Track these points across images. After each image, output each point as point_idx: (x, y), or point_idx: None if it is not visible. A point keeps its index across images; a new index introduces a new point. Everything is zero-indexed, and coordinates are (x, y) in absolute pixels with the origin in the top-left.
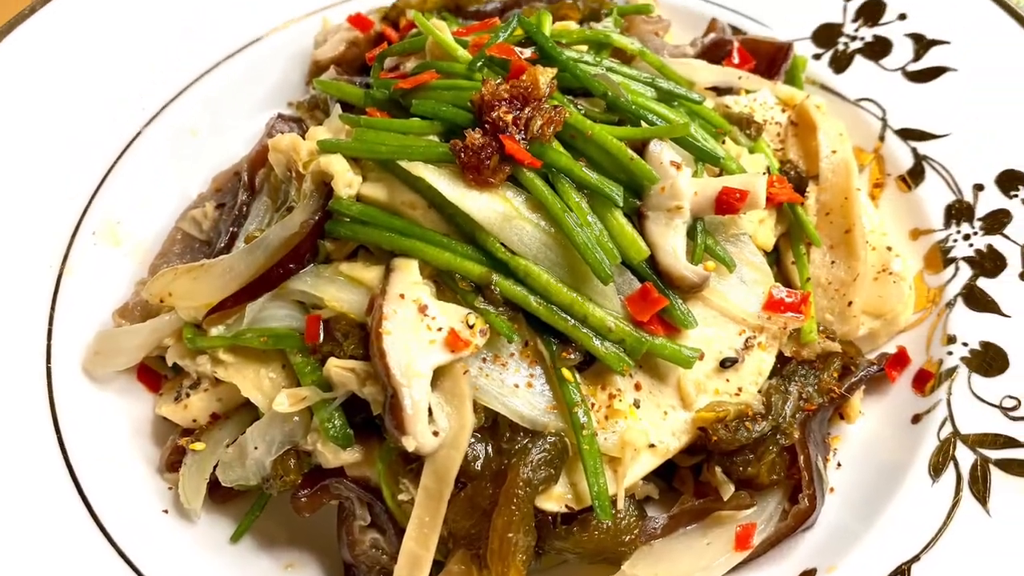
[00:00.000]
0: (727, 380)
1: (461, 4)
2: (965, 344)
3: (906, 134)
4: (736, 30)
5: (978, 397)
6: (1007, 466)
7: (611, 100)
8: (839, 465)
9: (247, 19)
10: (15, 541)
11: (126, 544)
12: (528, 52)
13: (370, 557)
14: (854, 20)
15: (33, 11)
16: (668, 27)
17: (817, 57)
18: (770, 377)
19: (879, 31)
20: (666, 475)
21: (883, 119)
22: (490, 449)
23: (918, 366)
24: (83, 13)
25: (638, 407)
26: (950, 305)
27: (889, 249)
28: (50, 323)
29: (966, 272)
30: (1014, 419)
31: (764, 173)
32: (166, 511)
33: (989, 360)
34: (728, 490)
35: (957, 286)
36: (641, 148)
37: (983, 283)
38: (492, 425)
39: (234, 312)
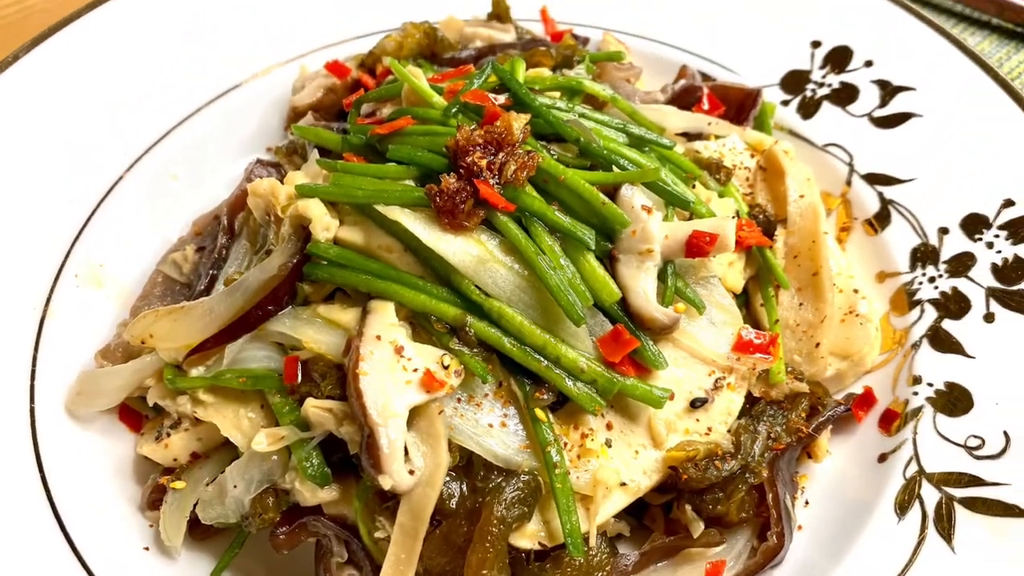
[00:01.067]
0: (697, 420)
1: (436, 51)
2: (930, 385)
3: (872, 179)
4: (706, 77)
5: (943, 437)
6: (972, 504)
7: (583, 145)
8: (807, 503)
9: (226, 66)
10: None
11: None
12: (502, 98)
13: None
14: (822, 67)
15: (16, 58)
16: (639, 74)
17: (785, 103)
18: (739, 417)
19: (846, 78)
20: (637, 513)
21: (850, 164)
22: (465, 487)
23: (884, 406)
24: (65, 60)
25: (610, 446)
26: (916, 346)
27: (856, 291)
28: (34, 364)
29: (931, 314)
30: (978, 458)
31: (733, 217)
32: (147, 548)
33: (954, 400)
34: (698, 528)
35: (922, 328)
36: (613, 192)
37: (948, 325)
38: (467, 464)
39: (214, 353)
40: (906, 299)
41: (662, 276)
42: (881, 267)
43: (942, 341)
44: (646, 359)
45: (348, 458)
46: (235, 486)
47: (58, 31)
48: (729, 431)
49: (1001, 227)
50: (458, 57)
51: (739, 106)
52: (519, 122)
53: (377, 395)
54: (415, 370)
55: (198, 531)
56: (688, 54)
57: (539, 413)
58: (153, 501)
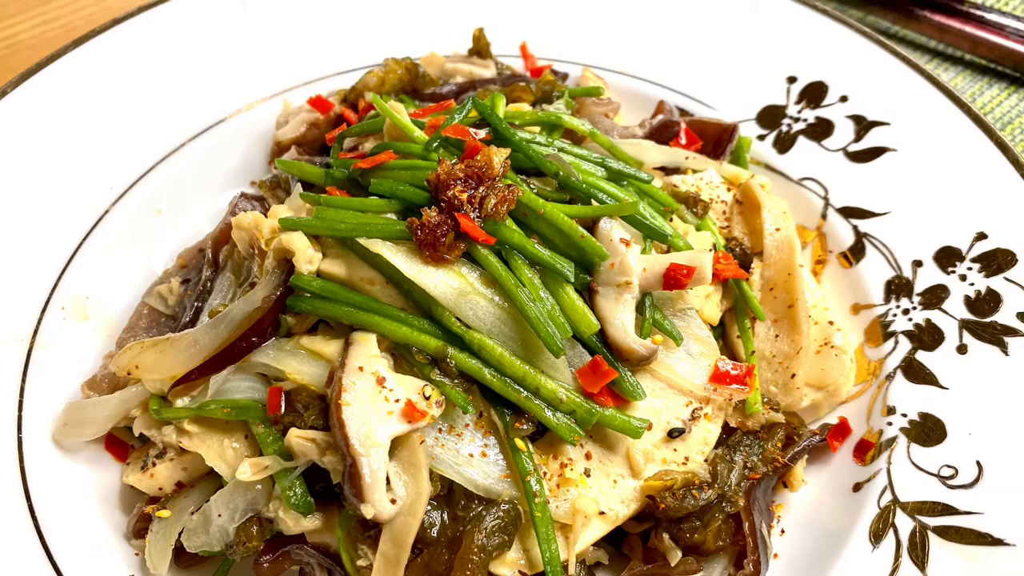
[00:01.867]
0: (675, 449)
1: (418, 87)
2: (904, 415)
3: (847, 212)
4: (683, 112)
5: (917, 466)
6: (945, 533)
7: (563, 179)
8: (783, 532)
9: (211, 101)
10: None
11: None
12: (482, 133)
13: None
14: (797, 102)
15: (4, 93)
16: (618, 109)
17: (761, 138)
18: (716, 447)
19: (821, 113)
20: (615, 541)
21: (825, 198)
22: (446, 516)
23: (859, 436)
24: (53, 95)
25: (589, 476)
26: (890, 377)
27: (831, 323)
28: (21, 395)
29: (905, 346)
30: (952, 487)
31: (710, 250)
32: None
33: (927, 431)
34: (675, 556)
35: (896, 359)
36: (592, 226)
37: (922, 356)
38: (448, 493)
39: (198, 384)
40: (880, 331)
41: (640, 308)
42: (856, 299)
43: (916, 372)
44: (624, 390)
45: (331, 487)
46: (220, 515)
47: (46, 66)
48: (706, 461)
49: (974, 260)
50: (439, 92)
51: (716, 141)
52: (499, 156)
53: (359, 425)
54: (397, 401)
55: (183, 559)
56: (666, 90)
57: (519, 443)
58: (139, 530)
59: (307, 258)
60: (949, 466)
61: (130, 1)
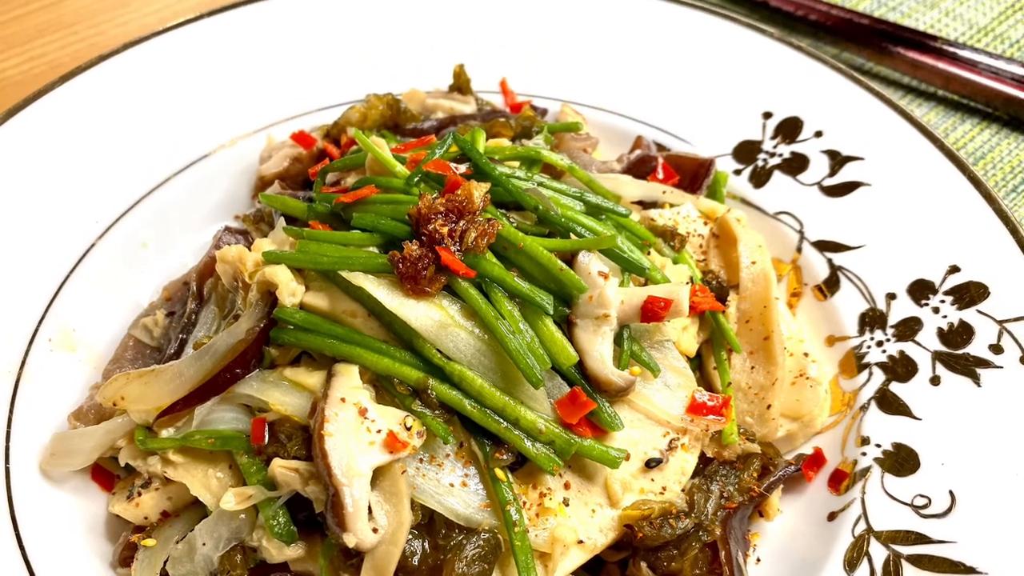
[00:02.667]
0: (652, 479)
1: (399, 122)
2: (878, 445)
3: (822, 246)
4: (661, 147)
5: (891, 496)
6: (918, 561)
7: (542, 213)
8: (759, 560)
9: (196, 136)
10: None
11: None
12: (463, 168)
13: None
14: (773, 137)
15: None
16: (596, 144)
17: (738, 172)
18: (693, 476)
19: (796, 148)
20: (594, 569)
21: (800, 231)
22: (427, 545)
23: (833, 466)
24: (40, 130)
25: (567, 505)
26: (864, 408)
27: (806, 355)
28: (9, 425)
29: (879, 377)
30: (925, 516)
31: (687, 283)
32: None
33: (901, 461)
34: None
35: (870, 390)
36: (570, 259)
37: (895, 387)
38: (429, 522)
39: (183, 415)
40: (855, 362)
41: (618, 340)
42: (830, 331)
43: (889, 403)
44: (603, 421)
45: (314, 516)
46: (204, 544)
47: (33, 102)
48: (683, 490)
49: (947, 293)
50: (420, 128)
51: (693, 175)
52: (479, 191)
53: (342, 455)
54: (379, 431)
55: None
56: (643, 125)
57: (499, 473)
58: (125, 558)
59: (290, 291)
60: (922, 496)
61: (115, 38)
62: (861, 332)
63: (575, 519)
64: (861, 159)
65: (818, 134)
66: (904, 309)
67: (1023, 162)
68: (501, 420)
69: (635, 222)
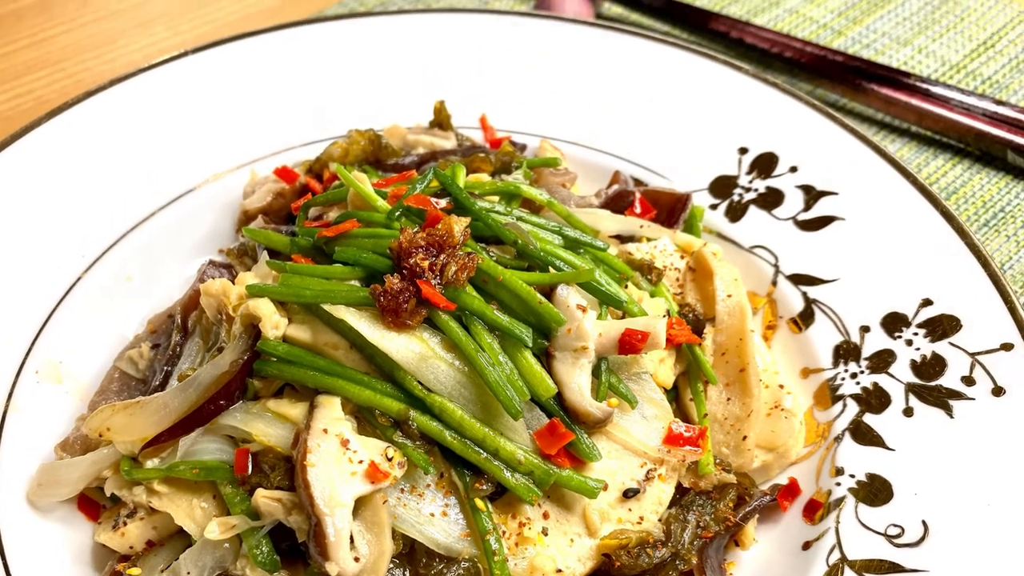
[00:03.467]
0: (630, 509)
1: (381, 158)
2: (852, 476)
3: (797, 279)
4: (638, 182)
5: (864, 525)
6: None
7: (521, 247)
8: None
9: (180, 172)
10: None
11: None
12: (443, 202)
13: None
14: (748, 172)
15: None
16: (574, 179)
17: (714, 207)
18: (670, 506)
19: (772, 183)
20: None
21: (775, 265)
22: (408, 574)
23: (808, 496)
24: (25, 166)
25: (546, 534)
26: (838, 439)
27: (781, 387)
28: None
29: (853, 408)
30: (898, 546)
31: (664, 316)
32: None
33: (875, 491)
34: None
35: (845, 422)
36: (549, 292)
37: (869, 419)
38: (410, 551)
39: (168, 446)
40: (829, 394)
41: (596, 372)
42: (805, 363)
43: (863, 434)
44: (581, 451)
45: (296, 545)
46: (189, 572)
47: (20, 138)
48: (660, 520)
49: (920, 325)
50: (401, 163)
51: (670, 210)
52: (460, 225)
53: (324, 486)
54: (360, 462)
55: None
56: (621, 160)
57: (479, 503)
58: None
59: (273, 323)
60: (896, 525)
61: (102, 75)
62: (835, 364)
63: (554, 548)
64: (835, 194)
65: (793, 169)
66: (878, 342)
67: (995, 197)
68: (481, 451)
69: (613, 256)
